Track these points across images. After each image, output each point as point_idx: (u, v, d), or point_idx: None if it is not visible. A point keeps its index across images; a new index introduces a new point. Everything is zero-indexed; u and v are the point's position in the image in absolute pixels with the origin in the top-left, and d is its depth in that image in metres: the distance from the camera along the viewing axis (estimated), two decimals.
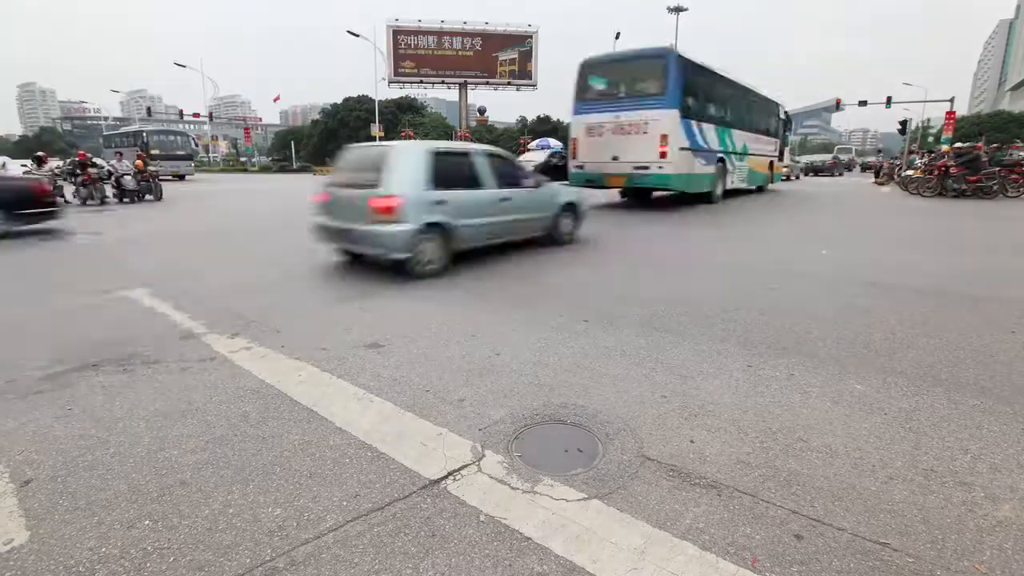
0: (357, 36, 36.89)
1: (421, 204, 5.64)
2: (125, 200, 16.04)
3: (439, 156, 6.00)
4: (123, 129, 42.95)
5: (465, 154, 6.57)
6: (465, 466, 2.28)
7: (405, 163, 5.76)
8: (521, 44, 47.43)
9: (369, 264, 6.26)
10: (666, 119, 10.94)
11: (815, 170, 36.33)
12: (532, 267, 6.41)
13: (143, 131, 34.17)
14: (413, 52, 45.86)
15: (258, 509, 2.01)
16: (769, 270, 6.07)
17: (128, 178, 15.99)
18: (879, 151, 31.84)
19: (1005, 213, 11.79)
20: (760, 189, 17.80)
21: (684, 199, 13.29)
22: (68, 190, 15.91)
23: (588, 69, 12.17)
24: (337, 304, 4.82)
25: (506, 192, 6.72)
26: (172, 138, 34.03)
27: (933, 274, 5.77)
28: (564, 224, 7.81)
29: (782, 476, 2.18)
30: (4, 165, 27.64)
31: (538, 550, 1.79)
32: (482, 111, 53.59)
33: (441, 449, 2.41)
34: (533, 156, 20.77)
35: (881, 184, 23.50)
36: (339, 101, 57.19)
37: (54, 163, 20.03)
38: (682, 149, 11.34)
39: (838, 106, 36.56)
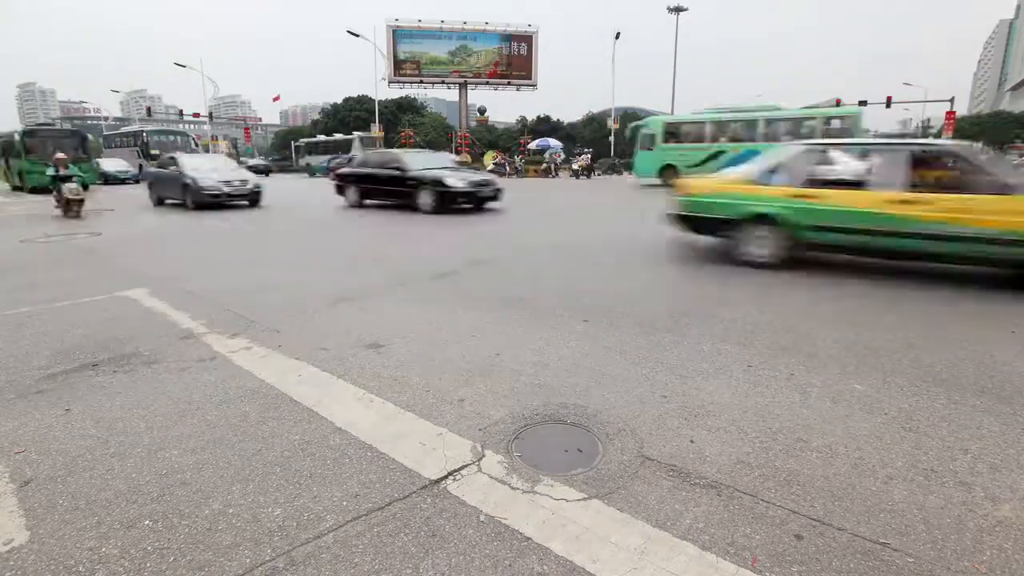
0: (357, 36, 36.88)
1: None
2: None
3: None
4: (123, 129, 43.21)
5: None
6: (465, 466, 2.28)
7: None
8: (521, 44, 47.37)
9: (369, 264, 6.26)
10: None
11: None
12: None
13: (143, 131, 34.31)
14: (412, 54, 45.82)
15: (258, 509, 2.00)
16: None
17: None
18: None
19: None
20: None
21: None
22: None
23: None
24: (337, 304, 4.81)
25: None
26: (172, 138, 34.21)
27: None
28: None
29: (782, 476, 2.18)
30: None
31: (538, 550, 1.79)
32: (482, 111, 53.57)
33: (441, 449, 2.41)
34: None
35: None
36: (339, 101, 57.20)
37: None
38: None
39: (838, 106, 36.56)
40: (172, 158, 15.01)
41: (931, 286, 5.27)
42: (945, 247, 5.16)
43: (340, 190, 14.30)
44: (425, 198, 12.02)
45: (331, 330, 4.09)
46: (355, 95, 56.19)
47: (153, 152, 32.25)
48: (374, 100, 47.33)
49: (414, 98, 58.21)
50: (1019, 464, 2.25)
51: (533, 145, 38.50)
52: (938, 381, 3.07)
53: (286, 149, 57.33)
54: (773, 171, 6.18)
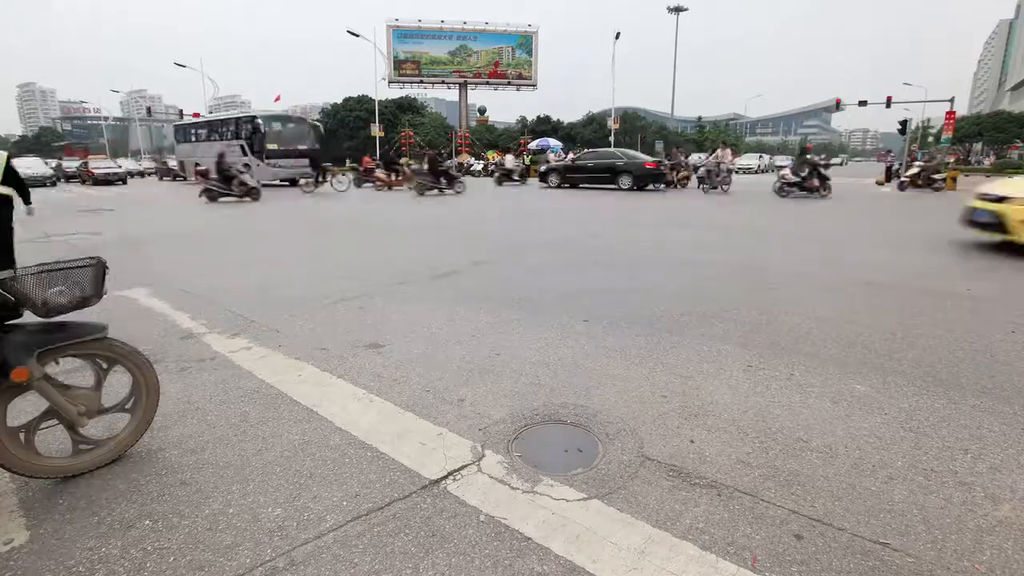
0: (357, 36, 36.89)
1: None
2: None
3: None
4: (213, 115, 29.95)
5: None
6: (465, 466, 2.28)
7: None
8: (520, 44, 47.40)
9: (369, 264, 6.27)
10: None
11: None
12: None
13: (253, 117, 22.95)
14: (413, 54, 45.87)
15: (258, 509, 2.01)
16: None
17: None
18: (889, 151, 33.22)
19: None
20: None
21: None
22: None
23: None
24: (337, 304, 4.82)
25: None
26: (290, 126, 23.21)
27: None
28: None
29: (782, 476, 2.18)
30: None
31: (538, 550, 1.79)
32: (482, 111, 53.60)
33: (441, 449, 2.41)
34: None
35: (880, 184, 23.53)
36: (339, 101, 57.22)
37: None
38: None
39: (838, 106, 36.53)
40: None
41: (930, 286, 5.27)
42: None
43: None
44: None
45: (331, 330, 4.09)
46: (355, 95, 56.18)
47: (270, 147, 22.15)
48: (374, 100, 47.31)
49: (414, 98, 58.21)
50: (1019, 464, 2.25)
51: (533, 145, 38.52)
52: (938, 381, 3.07)
53: None
54: None
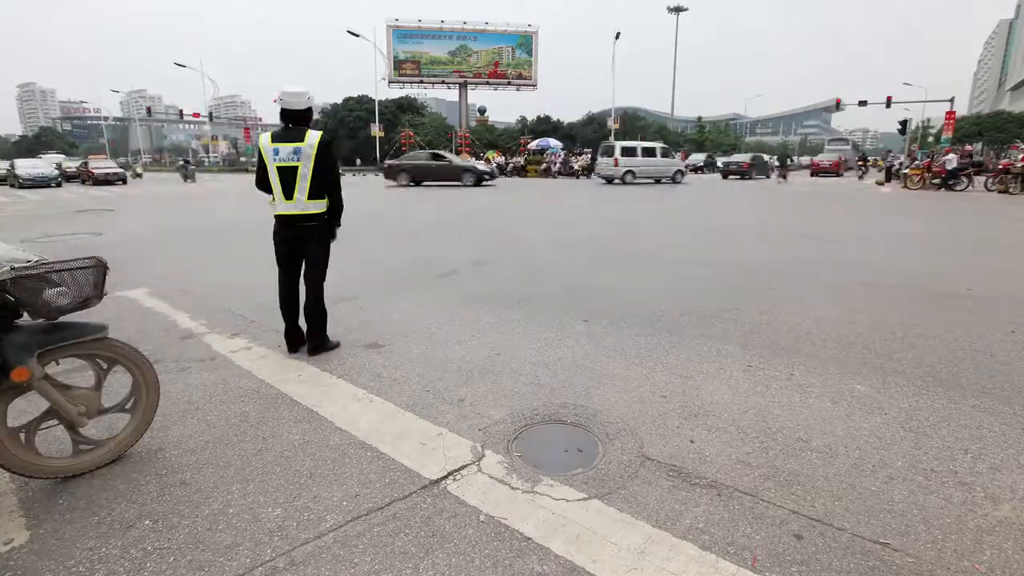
0: (357, 36, 36.90)
1: None
2: None
3: None
4: None
5: None
6: (465, 466, 2.28)
7: None
8: (520, 44, 47.43)
9: (368, 264, 6.26)
10: None
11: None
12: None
13: None
14: (413, 53, 45.89)
15: (258, 509, 2.01)
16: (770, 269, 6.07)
17: None
18: (889, 151, 33.34)
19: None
20: None
21: None
22: None
23: None
24: (337, 304, 4.81)
25: None
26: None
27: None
28: None
29: (782, 476, 2.18)
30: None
31: (538, 550, 1.79)
32: (482, 111, 53.57)
33: (441, 449, 2.41)
34: None
35: (881, 184, 23.53)
36: (339, 101, 57.22)
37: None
38: None
39: (838, 106, 36.52)
40: None
41: (930, 286, 5.27)
42: None
43: None
44: None
45: (331, 330, 4.08)
46: (355, 95, 56.18)
47: None
48: (374, 100, 47.31)
49: (414, 98, 58.17)
50: (1019, 464, 2.25)
51: (533, 145, 38.52)
52: (938, 381, 3.07)
53: None
54: None
